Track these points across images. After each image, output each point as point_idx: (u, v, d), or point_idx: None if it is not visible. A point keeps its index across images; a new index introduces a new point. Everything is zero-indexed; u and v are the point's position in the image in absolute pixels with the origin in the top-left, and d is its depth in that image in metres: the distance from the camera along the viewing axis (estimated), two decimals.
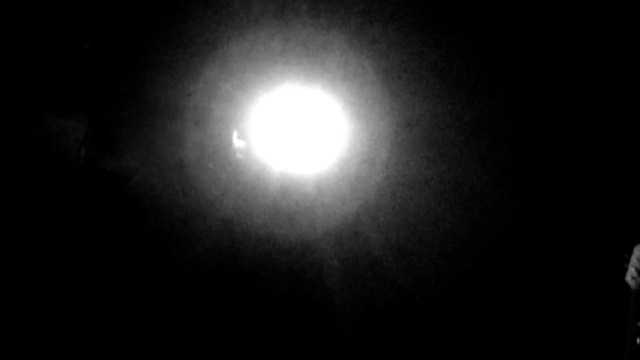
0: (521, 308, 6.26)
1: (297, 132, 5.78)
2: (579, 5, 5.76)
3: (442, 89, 5.79)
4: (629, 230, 5.31)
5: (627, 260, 5.22)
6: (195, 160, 5.64)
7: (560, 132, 6.17)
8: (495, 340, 6.11)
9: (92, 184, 5.52)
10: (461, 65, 5.78)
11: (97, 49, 5.40)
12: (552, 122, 6.07)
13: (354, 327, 5.96)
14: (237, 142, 5.73)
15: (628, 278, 5.18)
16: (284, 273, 5.82)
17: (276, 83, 5.68)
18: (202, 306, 5.76)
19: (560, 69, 5.90)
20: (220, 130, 5.66)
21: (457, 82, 5.75)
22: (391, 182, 5.90)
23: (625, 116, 6.04)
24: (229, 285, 5.82)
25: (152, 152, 5.58)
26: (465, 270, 6.05)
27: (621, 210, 6.03)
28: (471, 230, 5.99)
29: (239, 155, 5.70)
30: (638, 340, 5.42)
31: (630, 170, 5.59)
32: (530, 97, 5.84)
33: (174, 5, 5.40)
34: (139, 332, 5.66)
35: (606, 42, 5.84)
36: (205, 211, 5.68)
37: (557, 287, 6.40)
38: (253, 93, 5.66)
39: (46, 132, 5.48)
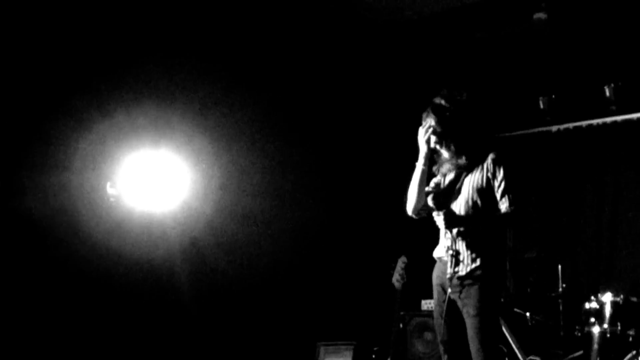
0: (319, 298, 8.29)
1: (154, 182, 7.12)
2: None
3: (257, 151, 7.93)
4: (395, 248, 6.75)
5: (393, 268, 6.54)
6: (79, 203, 6.76)
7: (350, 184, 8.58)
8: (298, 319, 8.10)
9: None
10: (272, 133, 7.98)
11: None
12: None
13: (194, 297, 7.46)
14: (110, 190, 6.87)
15: (394, 280, 6.50)
16: (147, 276, 7.17)
17: (138, 147, 7.08)
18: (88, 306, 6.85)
19: None
20: (97, 181, 6.88)
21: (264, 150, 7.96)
22: (219, 213, 7.70)
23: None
24: (109, 287, 6.95)
25: (48, 196, 6.58)
26: (271, 268, 8.06)
27: (389, 235, 8.11)
28: (277, 241, 8.07)
29: (111, 199, 6.90)
30: (400, 325, 7.24)
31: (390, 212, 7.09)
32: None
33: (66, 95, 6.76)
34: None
35: None
36: (86, 239, 6.76)
37: (348, 286, 8.46)
38: (121, 155, 6.99)
39: None
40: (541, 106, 8.86)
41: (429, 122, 5.19)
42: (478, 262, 5.02)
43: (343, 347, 7.89)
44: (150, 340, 7.15)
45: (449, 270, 5.07)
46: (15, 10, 6.46)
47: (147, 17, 7.08)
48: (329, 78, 8.66)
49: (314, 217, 8.46)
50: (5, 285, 6.45)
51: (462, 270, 5.06)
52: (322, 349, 7.96)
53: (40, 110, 6.70)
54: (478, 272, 5.01)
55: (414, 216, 5.36)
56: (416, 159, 5.28)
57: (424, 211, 5.32)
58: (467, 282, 5.04)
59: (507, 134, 9.20)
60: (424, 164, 5.25)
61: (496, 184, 5.04)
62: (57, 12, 6.65)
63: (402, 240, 7.28)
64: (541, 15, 7.61)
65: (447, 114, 5.13)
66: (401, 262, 6.53)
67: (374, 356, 7.70)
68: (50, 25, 6.64)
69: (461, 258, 5.07)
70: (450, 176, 5.30)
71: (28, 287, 6.58)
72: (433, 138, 5.17)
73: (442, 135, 5.17)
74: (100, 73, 6.93)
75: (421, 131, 5.21)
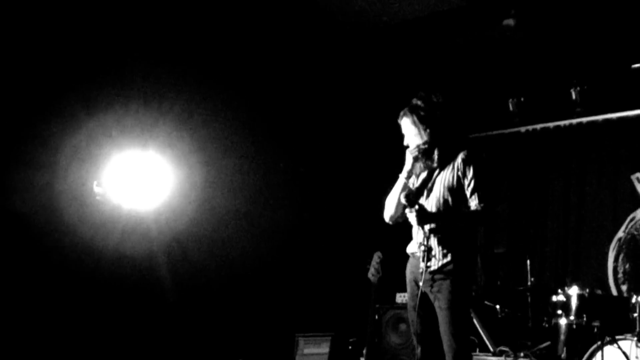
0: (298, 292, 8.49)
1: (139, 181, 7.30)
2: None
3: (239, 152, 8.11)
4: (371, 243, 6.64)
5: (369, 263, 6.30)
6: (66, 200, 6.92)
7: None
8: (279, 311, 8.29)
9: None
10: (253, 135, 8.14)
11: None
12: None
13: (177, 293, 7.61)
14: (96, 189, 7.06)
15: (369, 275, 6.27)
16: (131, 272, 7.32)
17: (125, 147, 7.25)
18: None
19: None
20: (84, 179, 7.05)
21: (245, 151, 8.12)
22: (201, 211, 7.90)
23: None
24: (93, 283, 7.08)
25: (36, 194, 6.75)
26: (251, 264, 8.22)
27: (365, 232, 8.07)
28: (256, 238, 8.24)
29: (97, 197, 7.08)
30: (376, 317, 7.42)
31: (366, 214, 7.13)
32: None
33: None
34: None
35: None
36: (72, 235, 6.93)
37: (326, 280, 8.65)
38: (108, 154, 7.16)
39: None
40: (510, 108, 9.06)
41: (407, 122, 5.32)
42: (449, 257, 5.13)
43: (321, 338, 8.07)
44: (134, 334, 7.30)
45: (421, 265, 5.13)
46: (5, 12, 6.58)
47: (134, 21, 7.21)
48: (308, 82, 8.81)
49: (293, 214, 8.64)
50: None
51: (434, 265, 5.14)
52: (300, 340, 8.08)
53: (30, 110, 6.83)
54: (449, 267, 5.12)
55: (390, 222, 5.49)
56: (391, 161, 5.52)
57: (400, 218, 5.43)
58: (438, 276, 5.14)
59: (478, 135, 9.41)
60: (407, 177, 5.37)
61: (466, 182, 5.15)
62: (46, 14, 6.77)
63: (378, 236, 7.06)
64: (510, 21, 7.76)
65: (423, 114, 5.23)
66: (377, 257, 6.35)
67: (350, 347, 7.87)
68: (39, 28, 6.76)
69: (433, 253, 5.15)
70: (423, 175, 5.37)
71: (14, 283, 6.73)
72: (420, 154, 5.29)
73: (426, 145, 5.29)
74: (88, 75, 7.06)
75: (411, 147, 5.32)
